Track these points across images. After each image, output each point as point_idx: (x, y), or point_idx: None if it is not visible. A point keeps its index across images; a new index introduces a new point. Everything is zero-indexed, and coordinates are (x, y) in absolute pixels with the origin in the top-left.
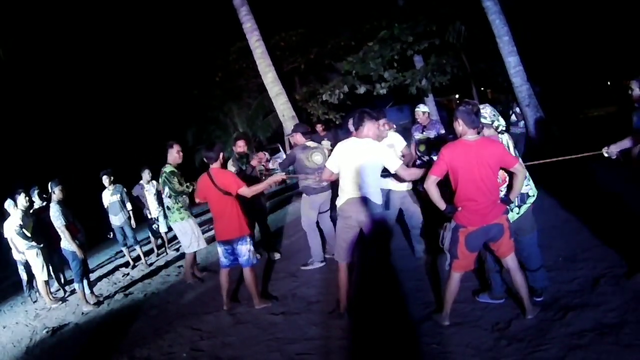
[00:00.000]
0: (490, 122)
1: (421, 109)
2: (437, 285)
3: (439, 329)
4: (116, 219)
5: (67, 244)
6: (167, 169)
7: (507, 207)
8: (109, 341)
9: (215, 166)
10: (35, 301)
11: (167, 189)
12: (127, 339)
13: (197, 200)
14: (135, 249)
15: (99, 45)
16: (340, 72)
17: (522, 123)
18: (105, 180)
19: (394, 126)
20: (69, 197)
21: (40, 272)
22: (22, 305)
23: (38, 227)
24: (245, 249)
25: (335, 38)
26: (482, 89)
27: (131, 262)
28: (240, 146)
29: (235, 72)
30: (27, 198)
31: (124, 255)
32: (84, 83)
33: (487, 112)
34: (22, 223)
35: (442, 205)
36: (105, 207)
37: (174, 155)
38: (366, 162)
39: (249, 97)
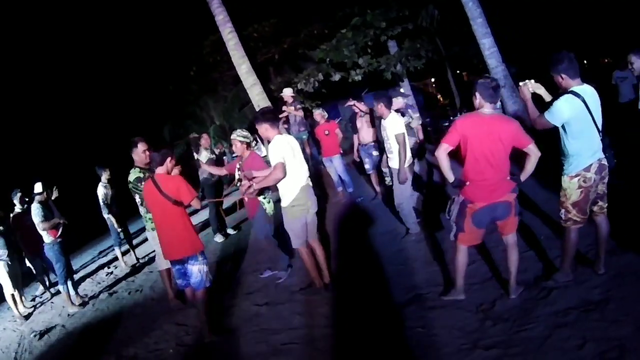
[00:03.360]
0: None
1: (398, 100)
2: (421, 268)
3: (422, 312)
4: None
5: (49, 239)
6: (132, 175)
7: (516, 185)
8: (96, 341)
9: (160, 171)
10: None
11: (137, 197)
12: (114, 339)
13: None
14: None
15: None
16: (314, 61)
17: (498, 104)
18: (104, 175)
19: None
20: (51, 198)
21: (4, 284)
22: (8, 310)
23: (9, 237)
24: (196, 270)
25: (308, 27)
26: (458, 72)
27: (122, 262)
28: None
29: (210, 66)
30: None
31: (106, 255)
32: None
33: None
34: None
35: (450, 176)
36: (101, 202)
37: (140, 155)
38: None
39: (224, 90)
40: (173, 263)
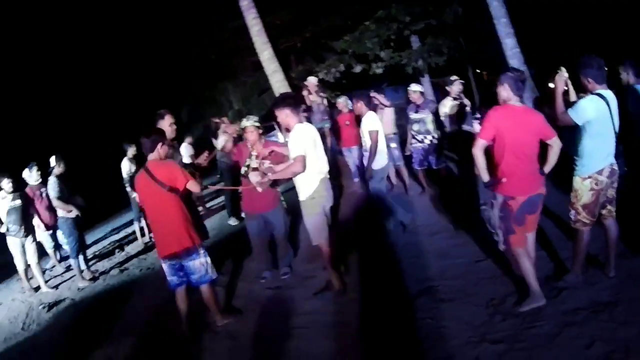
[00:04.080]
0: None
1: (412, 88)
2: (433, 260)
3: (433, 304)
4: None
5: (62, 213)
6: None
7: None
8: (105, 317)
9: (153, 158)
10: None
11: None
12: (123, 315)
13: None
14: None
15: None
16: (336, 51)
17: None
18: (130, 151)
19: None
20: (69, 173)
21: (16, 259)
22: (18, 282)
23: (24, 212)
24: (198, 264)
25: (332, 17)
26: (478, 71)
27: (139, 237)
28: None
29: (231, 51)
30: (10, 184)
31: (118, 232)
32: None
33: None
34: None
35: (485, 176)
36: (125, 175)
37: (166, 128)
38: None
39: (244, 76)
40: (166, 259)
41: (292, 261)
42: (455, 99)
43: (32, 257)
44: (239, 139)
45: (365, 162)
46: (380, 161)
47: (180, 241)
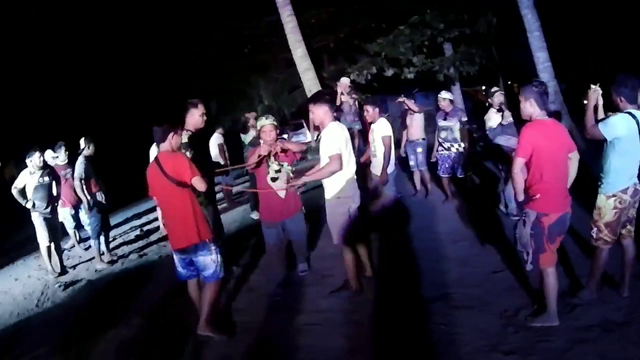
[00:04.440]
0: None
1: (442, 95)
2: (453, 267)
3: (448, 310)
4: None
5: (81, 195)
6: (184, 137)
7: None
8: (120, 300)
9: (165, 149)
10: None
11: None
12: (139, 300)
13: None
14: None
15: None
16: (369, 53)
17: None
18: None
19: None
20: (98, 155)
21: (40, 237)
22: (35, 259)
23: (51, 190)
24: (209, 260)
25: (366, 19)
26: (509, 82)
27: (160, 221)
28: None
29: (264, 46)
30: (41, 158)
31: (140, 217)
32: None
33: None
34: (20, 186)
35: (521, 196)
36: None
37: (196, 117)
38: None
39: (275, 72)
40: (176, 252)
41: (310, 259)
42: (499, 110)
43: (44, 235)
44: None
45: (417, 160)
46: (391, 167)
47: (188, 237)
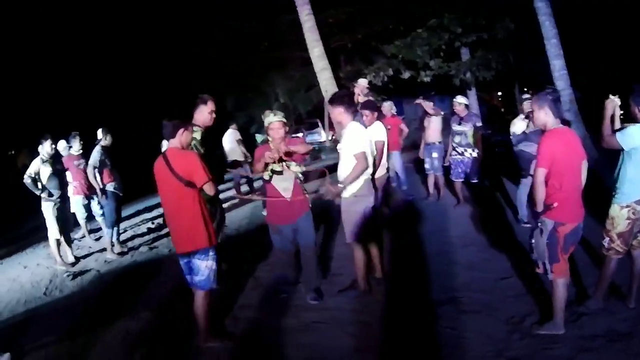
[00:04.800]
0: None
1: (458, 100)
2: (462, 271)
3: (455, 314)
4: None
5: (93, 182)
6: (197, 133)
7: None
8: (129, 292)
9: (174, 145)
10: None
11: None
12: (147, 293)
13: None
14: None
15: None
16: (386, 55)
17: None
18: None
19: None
20: (115, 146)
21: (51, 228)
22: (44, 248)
23: (62, 178)
24: (204, 266)
25: (384, 21)
26: (525, 89)
27: None
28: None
29: (281, 44)
30: (52, 145)
31: (151, 210)
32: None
33: None
34: (34, 173)
35: (541, 206)
36: None
37: (205, 114)
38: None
39: (292, 70)
40: (180, 256)
41: (321, 284)
42: (526, 117)
43: (54, 226)
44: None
45: (432, 163)
46: (382, 170)
47: (194, 240)
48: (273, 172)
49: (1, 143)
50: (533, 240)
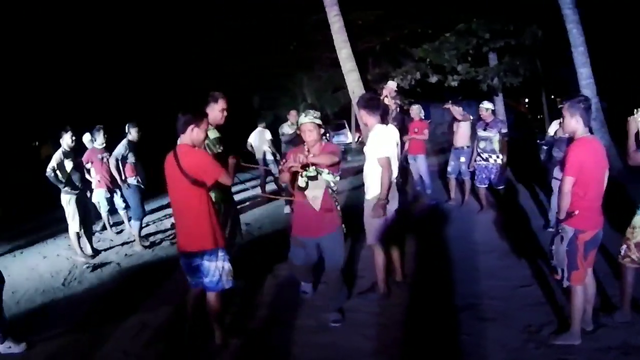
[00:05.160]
0: None
1: (485, 105)
2: (482, 278)
3: (472, 322)
4: None
5: (114, 172)
6: (211, 132)
7: None
8: (148, 286)
9: (185, 141)
10: (104, 230)
11: None
12: (167, 287)
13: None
14: None
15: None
16: (413, 58)
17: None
18: None
19: None
20: (143, 140)
21: (72, 221)
22: (66, 239)
23: (82, 172)
24: (213, 267)
25: (413, 24)
26: (552, 96)
27: None
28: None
29: (309, 44)
30: (73, 137)
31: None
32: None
33: None
34: (56, 165)
35: (564, 214)
36: None
37: (216, 112)
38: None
39: (320, 70)
40: (182, 254)
41: (344, 304)
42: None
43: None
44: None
45: (455, 168)
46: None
47: (201, 241)
48: (309, 178)
49: (25, 134)
50: (553, 247)
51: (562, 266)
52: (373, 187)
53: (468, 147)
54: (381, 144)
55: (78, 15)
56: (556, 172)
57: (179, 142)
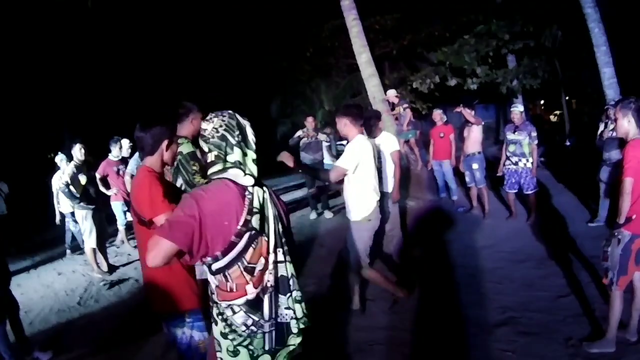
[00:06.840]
0: None
1: (517, 108)
2: (518, 289)
3: (514, 337)
4: None
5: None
6: (184, 146)
7: None
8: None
9: (148, 163)
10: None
11: (180, 180)
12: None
13: None
14: None
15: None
16: (431, 62)
17: None
18: None
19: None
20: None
21: (88, 237)
22: (82, 255)
23: (94, 185)
24: (180, 333)
25: (430, 27)
26: (567, 98)
27: None
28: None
29: (327, 50)
30: (83, 151)
31: None
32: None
33: None
34: (69, 180)
35: (624, 218)
36: None
37: (188, 125)
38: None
39: (337, 76)
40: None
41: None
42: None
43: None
44: None
45: (472, 176)
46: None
47: (162, 301)
48: None
49: (41, 146)
50: (608, 249)
51: (615, 270)
52: (360, 207)
53: (479, 152)
54: (351, 156)
55: (95, 24)
56: (602, 174)
57: (142, 163)
